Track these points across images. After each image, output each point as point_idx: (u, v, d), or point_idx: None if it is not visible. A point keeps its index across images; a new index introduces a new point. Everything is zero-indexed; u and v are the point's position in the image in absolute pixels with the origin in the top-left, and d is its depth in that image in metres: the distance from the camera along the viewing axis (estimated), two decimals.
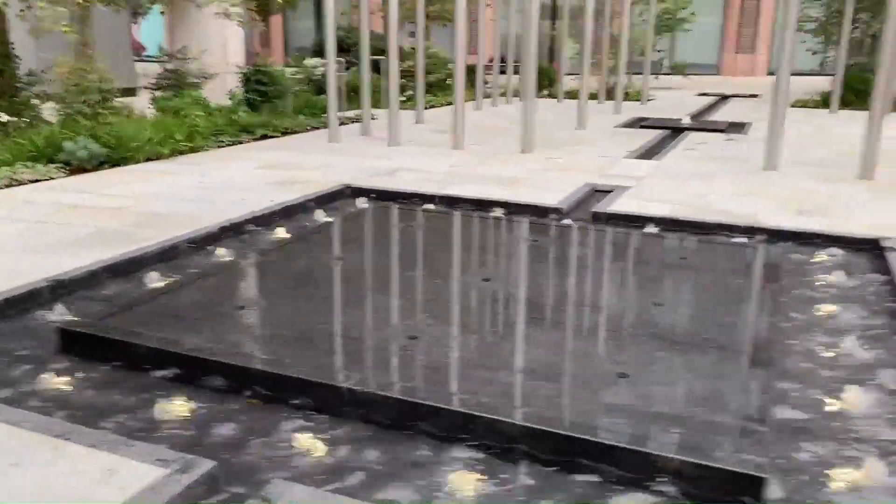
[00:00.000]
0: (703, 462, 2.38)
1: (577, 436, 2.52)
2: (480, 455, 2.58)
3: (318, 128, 11.30)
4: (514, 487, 2.41)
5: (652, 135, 11.21)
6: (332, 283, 4.42)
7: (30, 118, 9.26)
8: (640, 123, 12.60)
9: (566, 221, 5.94)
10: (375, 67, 15.32)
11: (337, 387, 2.92)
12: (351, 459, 2.58)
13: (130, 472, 2.35)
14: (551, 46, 25.61)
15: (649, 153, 9.53)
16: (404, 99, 15.05)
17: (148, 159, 8.58)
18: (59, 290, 4.10)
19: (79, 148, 7.96)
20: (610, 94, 16.07)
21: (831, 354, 3.46)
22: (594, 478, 2.44)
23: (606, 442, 2.50)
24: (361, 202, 6.51)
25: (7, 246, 4.89)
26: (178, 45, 12.94)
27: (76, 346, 3.42)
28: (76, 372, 3.21)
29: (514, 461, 2.54)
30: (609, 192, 6.97)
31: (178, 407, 2.92)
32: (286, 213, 6.03)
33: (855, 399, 2.95)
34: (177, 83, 11.97)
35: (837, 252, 5.16)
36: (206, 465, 2.42)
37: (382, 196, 6.75)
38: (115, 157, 8.26)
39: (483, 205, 6.37)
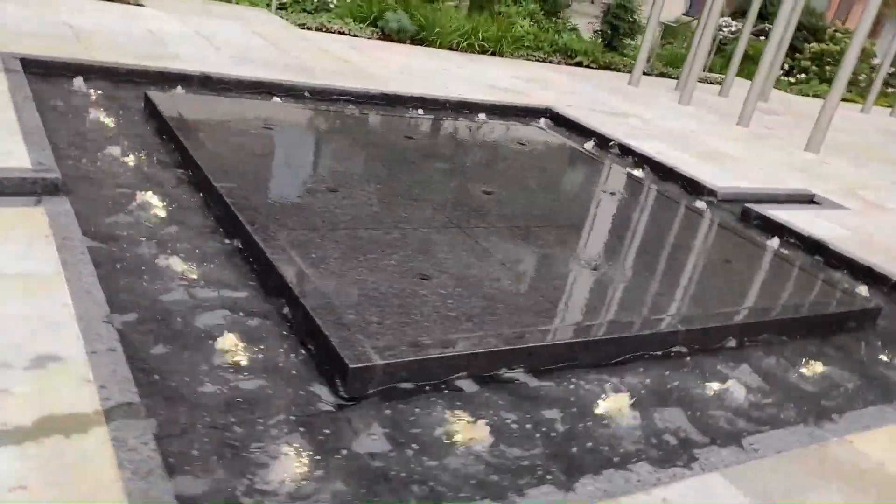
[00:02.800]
0: None
1: None
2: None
3: (651, 74, 11.00)
4: None
5: None
6: (374, 155, 4.88)
7: None
8: None
9: (690, 202, 5.38)
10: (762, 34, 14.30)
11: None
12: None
13: (17, 154, 3.36)
14: None
15: None
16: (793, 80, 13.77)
17: (450, 48, 9.63)
18: (202, 80, 5.41)
19: (393, 20, 9.33)
20: None
21: None
22: None
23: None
24: (541, 121, 6.68)
25: (235, 50, 6.42)
26: None
27: (151, 108, 4.60)
28: (122, 117, 4.40)
29: None
30: (815, 203, 6.02)
31: (126, 158, 3.89)
32: (452, 106, 6.54)
33: None
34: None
35: None
36: (52, 175, 3.29)
37: (569, 125, 6.79)
38: (421, 36, 9.48)
39: (646, 161, 6.10)
